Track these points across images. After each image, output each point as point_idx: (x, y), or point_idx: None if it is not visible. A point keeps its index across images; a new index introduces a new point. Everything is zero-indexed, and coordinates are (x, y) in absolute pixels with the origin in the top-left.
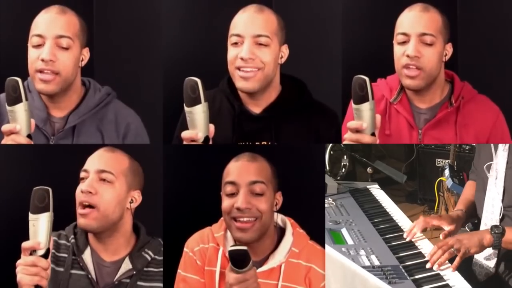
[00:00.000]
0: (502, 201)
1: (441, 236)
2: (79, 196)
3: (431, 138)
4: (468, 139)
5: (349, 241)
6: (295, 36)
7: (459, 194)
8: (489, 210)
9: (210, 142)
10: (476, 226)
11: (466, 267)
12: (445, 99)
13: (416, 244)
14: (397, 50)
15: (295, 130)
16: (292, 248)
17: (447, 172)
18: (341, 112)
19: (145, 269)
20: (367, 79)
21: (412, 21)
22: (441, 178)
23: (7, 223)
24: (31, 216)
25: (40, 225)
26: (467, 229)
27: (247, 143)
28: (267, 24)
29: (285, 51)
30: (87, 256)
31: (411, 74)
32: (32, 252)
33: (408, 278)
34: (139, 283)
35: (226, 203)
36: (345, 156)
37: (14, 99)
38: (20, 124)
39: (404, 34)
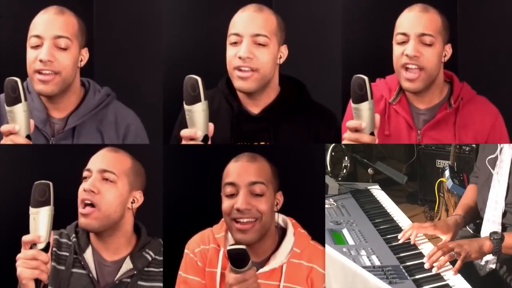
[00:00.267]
0: (506, 197)
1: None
2: (81, 194)
3: (430, 138)
4: (467, 140)
5: (350, 241)
6: (295, 36)
7: (459, 195)
8: (492, 206)
9: (209, 141)
10: (478, 226)
11: (467, 265)
12: (444, 100)
13: (416, 244)
14: (396, 50)
15: (294, 131)
16: (294, 248)
17: (447, 173)
18: (341, 112)
19: (145, 269)
20: (366, 78)
21: (411, 21)
22: (441, 179)
23: (7, 222)
24: (31, 210)
25: (40, 219)
26: (469, 229)
27: (246, 143)
28: (266, 24)
29: (284, 51)
30: (88, 255)
31: (410, 77)
32: (33, 245)
33: (408, 278)
34: (139, 282)
35: (226, 204)
36: (346, 157)
37: (13, 100)
38: (19, 125)
39: (404, 34)
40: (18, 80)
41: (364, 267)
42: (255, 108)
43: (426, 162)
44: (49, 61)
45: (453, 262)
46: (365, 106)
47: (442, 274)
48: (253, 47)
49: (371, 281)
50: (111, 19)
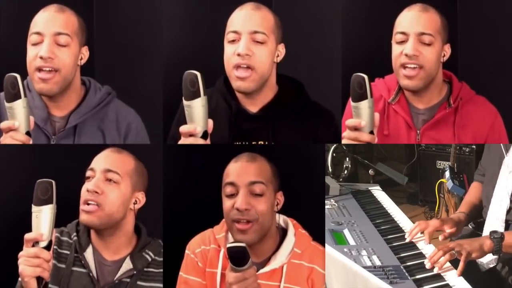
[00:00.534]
0: (511, 194)
1: (440, 238)
2: (85, 195)
3: (429, 138)
4: (466, 140)
5: (351, 241)
6: (295, 36)
7: (459, 196)
8: (497, 203)
9: (208, 138)
10: (479, 226)
11: (467, 265)
12: (443, 99)
13: (417, 244)
14: (396, 49)
15: (293, 130)
16: (294, 249)
17: (447, 174)
18: (341, 112)
19: (145, 269)
20: (365, 77)
21: (411, 21)
22: (441, 180)
23: (10, 220)
24: (34, 208)
25: (43, 217)
26: (470, 227)
27: (244, 142)
28: (264, 21)
29: (281, 50)
30: (89, 254)
31: (409, 74)
32: (35, 243)
33: (409, 278)
34: (139, 283)
35: (226, 204)
36: (347, 158)
37: (13, 96)
38: (19, 121)
39: (403, 33)
40: (18, 76)
41: (365, 267)
42: (253, 107)
43: (426, 163)
44: (49, 58)
45: (454, 263)
46: (364, 105)
47: (442, 274)
48: (251, 44)
49: (372, 281)
50: (111, 18)
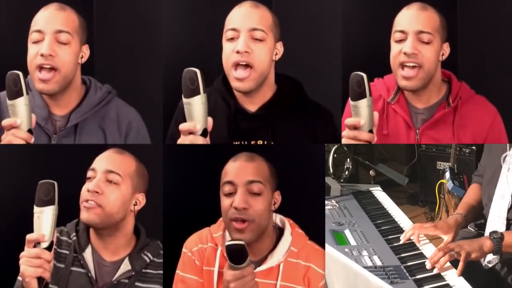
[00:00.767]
0: None
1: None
2: (85, 195)
3: (429, 138)
4: (466, 139)
5: (352, 242)
6: (295, 35)
7: (459, 196)
8: (498, 201)
9: (208, 136)
10: (480, 227)
11: (467, 265)
12: (442, 99)
13: (417, 245)
14: (394, 48)
15: (291, 129)
16: (291, 247)
17: (447, 174)
18: (341, 111)
19: (143, 270)
20: (364, 75)
21: (409, 19)
22: (442, 180)
23: (11, 221)
24: (36, 209)
25: (44, 218)
26: (470, 229)
27: (243, 141)
28: (263, 19)
29: (279, 48)
30: (88, 254)
31: (408, 74)
32: (36, 244)
33: (409, 278)
34: (137, 284)
35: (224, 203)
36: (348, 159)
37: (15, 93)
38: (20, 119)
39: (402, 31)
40: (20, 73)
41: (366, 267)
42: (251, 106)
43: (426, 164)
44: (50, 56)
45: (454, 264)
46: (363, 103)
47: (442, 274)
48: (250, 41)
49: (372, 281)
50: (111, 18)
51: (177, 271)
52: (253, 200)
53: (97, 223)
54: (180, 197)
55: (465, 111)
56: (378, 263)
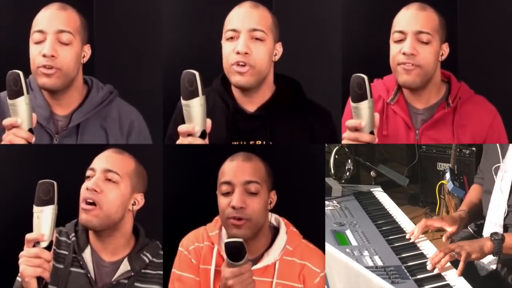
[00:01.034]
0: (508, 199)
1: (443, 238)
2: (84, 193)
3: (428, 138)
4: (465, 139)
5: (353, 242)
6: (295, 35)
7: (459, 197)
8: (494, 209)
9: (207, 137)
10: (479, 228)
11: (467, 265)
12: (442, 99)
13: (418, 245)
14: (393, 48)
15: (290, 129)
16: (287, 246)
17: (448, 175)
18: (341, 111)
19: (142, 271)
20: (365, 77)
21: (408, 19)
22: (442, 181)
23: (11, 220)
24: (35, 209)
25: (44, 218)
26: (470, 230)
27: (241, 141)
28: (262, 19)
29: (279, 49)
30: (87, 255)
31: (407, 67)
32: (36, 244)
33: (410, 278)
34: (136, 284)
35: (222, 202)
36: (349, 160)
37: (16, 93)
38: (21, 118)
39: (401, 32)
40: (20, 72)
41: (367, 267)
42: (250, 106)
43: (427, 165)
44: (52, 56)
45: (455, 264)
46: (364, 105)
47: (443, 274)
48: (250, 42)
49: (374, 281)
50: (111, 18)
51: (173, 270)
52: (250, 199)
53: (96, 226)
54: (180, 197)
55: (465, 111)
56: (379, 263)
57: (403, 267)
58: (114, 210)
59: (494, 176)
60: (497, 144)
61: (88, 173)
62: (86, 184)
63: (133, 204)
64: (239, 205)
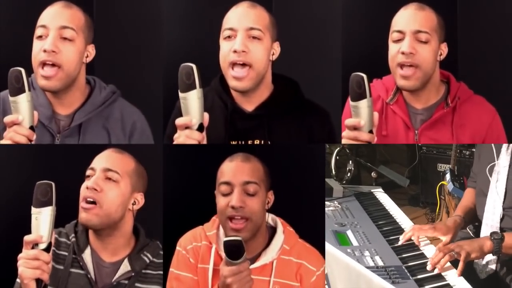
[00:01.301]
0: (504, 202)
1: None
2: (84, 192)
3: (428, 138)
4: (465, 139)
5: (354, 242)
6: (295, 35)
7: (460, 198)
8: (490, 211)
9: (204, 131)
10: (477, 229)
11: (467, 265)
12: (441, 99)
13: (418, 245)
14: (392, 48)
15: (288, 129)
16: (284, 245)
17: (448, 176)
18: (341, 111)
19: (143, 271)
20: (364, 76)
21: (407, 19)
22: (442, 182)
23: (10, 221)
24: (33, 210)
25: (42, 219)
26: (469, 231)
27: (240, 141)
28: (260, 19)
29: (276, 48)
30: (87, 255)
31: (406, 73)
32: (34, 245)
33: (410, 278)
34: (136, 284)
35: (221, 202)
36: (350, 161)
37: (17, 90)
38: (22, 115)
39: (399, 31)
40: (22, 69)
41: (368, 268)
42: (248, 105)
43: (427, 166)
44: (53, 52)
45: (455, 264)
46: (363, 104)
47: (443, 274)
48: (247, 41)
49: (374, 281)
50: (111, 18)
51: (171, 269)
52: (249, 200)
53: (96, 224)
54: (180, 197)
55: (464, 111)
56: (380, 263)
57: (403, 267)
58: (114, 209)
59: (489, 177)
60: (492, 144)
61: (88, 172)
62: (86, 183)
63: (133, 204)
64: (238, 205)
